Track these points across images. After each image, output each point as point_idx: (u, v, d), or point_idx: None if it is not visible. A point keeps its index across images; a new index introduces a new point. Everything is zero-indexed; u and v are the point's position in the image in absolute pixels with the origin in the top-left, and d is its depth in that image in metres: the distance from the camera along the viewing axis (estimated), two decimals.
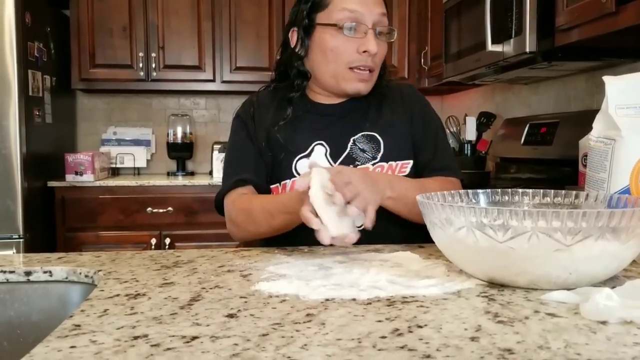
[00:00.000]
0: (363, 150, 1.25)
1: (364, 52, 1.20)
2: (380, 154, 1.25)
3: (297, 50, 1.28)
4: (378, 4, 1.22)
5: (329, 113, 1.30)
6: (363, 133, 1.27)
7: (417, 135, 1.31)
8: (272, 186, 1.27)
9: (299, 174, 1.23)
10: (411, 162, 1.27)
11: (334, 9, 1.21)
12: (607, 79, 1.00)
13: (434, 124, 1.35)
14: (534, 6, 1.92)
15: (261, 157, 1.28)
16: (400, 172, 1.26)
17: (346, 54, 1.21)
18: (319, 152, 1.25)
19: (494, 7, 2.11)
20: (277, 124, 1.27)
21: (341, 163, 1.24)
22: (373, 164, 1.24)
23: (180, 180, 3.26)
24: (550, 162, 2.31)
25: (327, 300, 0.72)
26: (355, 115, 1.29)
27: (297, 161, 1.25)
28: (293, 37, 1.29)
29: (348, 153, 1.25)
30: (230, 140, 1.34)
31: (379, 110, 1.30)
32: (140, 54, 3.42)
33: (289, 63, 1.31)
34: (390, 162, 1.25)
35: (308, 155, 1.25)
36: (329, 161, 1.25)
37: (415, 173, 1.29)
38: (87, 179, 3.10)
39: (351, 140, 1.26)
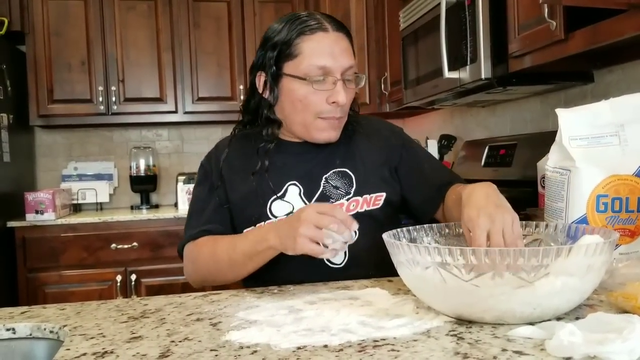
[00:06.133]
0: (336, 187, 1.26)
1: (333, 102, 1.21)
2: (353, 189, 1.26)
3: (266, 97, 1.26)
4: (346, 57, 1.22)
5: (300, 152, 1.30)
6: (334, 170, 1.27)
7: (406, 166, 1.33)
8: (246, 230, 1.25)
9: (274, 216, 1.23)
10: (384, 194, 1.28)
11: (302, 61, 1.19)
12: (559, 111, 1.04)
13: (419, 151, 1.38)
14: (487, 34, 1.98)
15: (223, 206, 1.28)
16: (374, 204, 1.26)
17: (315, 104, 1.21)
18: (293, 192, 1.25)
19: (449, 35, 2.17)
20: (249, 173, 1.27)
21: (316, 202, 1.24)
22: (347, 199, 1.25)
23: (144, 214, 3.21)
24: (510, 183, 2.36)
25: (298, 348, 0.72)
26: (325, 153, 1.29)
27: (271, 202, 1.24)
28: (260, 80, 1.27)
29: (321, 191, 1.26)
30: (194, 190, 1.36)
31: (348, 145, 1.31)
32: (100, 88, 3.39)
33: (258, 109, 1.30)
34: (364, 196, 1.26)
35: (282, 196, 1.25)
36: (303, 201, 1.25)
37: (412, 200, 1.32)
38: (48, 217, 3.03)
39: (323, 179, 1.26)
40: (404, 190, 1.32)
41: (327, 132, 1.25)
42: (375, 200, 1.27)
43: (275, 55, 1.22)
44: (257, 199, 1.25)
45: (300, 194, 1.25)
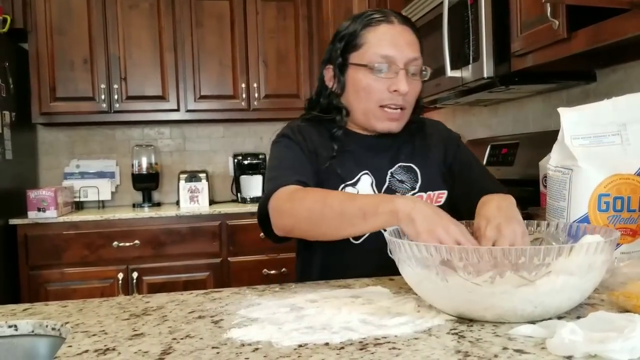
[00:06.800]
0: (401, 182, 1.28)
1: (395, 91, 1.23)
2: (418, 184, 1.29)
3: (333, 87, 1.31)
4: (411, 49, 1.25)
5: (369, 144, 1.32)
6: (400, 164, 1.30)
7: (458, 166, 1.35)
8: None
9: None
10: (446, 192, 1.31)
11: (367, 50, 1.24)
12: (562, 110, 1.04)
13: (471, 156, 1.41)
14: (489, 33, 1.97)
15: (316, 174, 1.24)
16: (437, 202, 1.29)
17: (377, 92, 1.24)
18: (366, 181, 1.27)
19: (452, 34, 2.16)
20: (323, 158, 1.27)
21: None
22: (412, 195, 1.27)
23: (146, 212, 3.22)
24: (512, 182, 2.35)
25: (300, 346, 0.72)
26: (391, 148, 1.32)
27: (342, 188, 1.25)
28: (328, 73, 1.32)
29: (388, 185, 1.28)
30: (281, 150, 1.28)
31: (412, 142, 1.34)
32: (102, 86, 3.39)
33: (329, 103, 1.32)
34: (428, 192, 1.29)
35: (354, 184, 1.26)
36: (374, 191, 1.27)
37: (458, 203, 1.30)
38: (50, 214, 3.03)
39: (389, 173, 1.29)
40: (453, 191, 1.33)
41: (386, 123, 1.27)
42: (438, 198, 1.29)
43: (342, 47, 1.28)
44: (330, 181, 1.25)
45: (372, 185, 1.27)
